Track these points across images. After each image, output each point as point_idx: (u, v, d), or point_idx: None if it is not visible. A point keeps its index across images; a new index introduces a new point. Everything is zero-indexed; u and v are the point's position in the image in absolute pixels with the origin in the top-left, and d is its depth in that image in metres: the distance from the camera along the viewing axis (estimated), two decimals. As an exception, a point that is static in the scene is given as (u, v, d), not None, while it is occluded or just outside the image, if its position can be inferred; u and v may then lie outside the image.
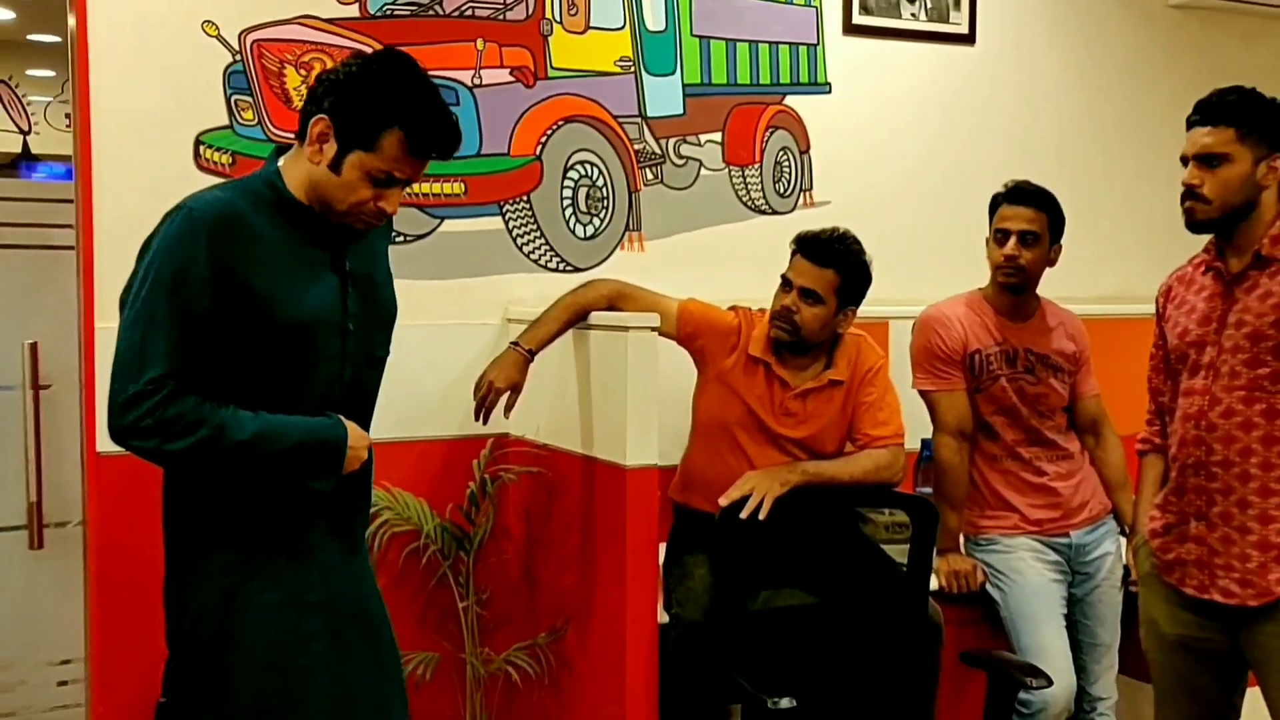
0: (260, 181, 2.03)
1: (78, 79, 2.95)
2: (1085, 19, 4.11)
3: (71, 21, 3.07)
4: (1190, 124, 2.46)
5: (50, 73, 7.47)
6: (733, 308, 2.98)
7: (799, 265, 2.83)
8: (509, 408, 2.87)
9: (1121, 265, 4.03)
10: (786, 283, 2.85)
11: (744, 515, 2.65)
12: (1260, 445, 2.33)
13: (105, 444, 2.84)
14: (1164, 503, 2.51)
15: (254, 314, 1.94)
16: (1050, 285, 3.23)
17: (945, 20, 3.84)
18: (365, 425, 2.13)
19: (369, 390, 2.17)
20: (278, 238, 1.98)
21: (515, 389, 2.85)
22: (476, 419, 2.88)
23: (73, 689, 3.27)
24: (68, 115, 8.38)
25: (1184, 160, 2.45)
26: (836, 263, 2.81)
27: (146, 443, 1.92)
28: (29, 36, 6.66)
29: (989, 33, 3.92)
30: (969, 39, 3.89)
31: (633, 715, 2.75)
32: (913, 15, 3.78)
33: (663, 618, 2.78)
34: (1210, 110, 2.43)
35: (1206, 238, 2.52)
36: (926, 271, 3.69)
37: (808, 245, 2.84)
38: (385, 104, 1.95)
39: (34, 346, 3.15)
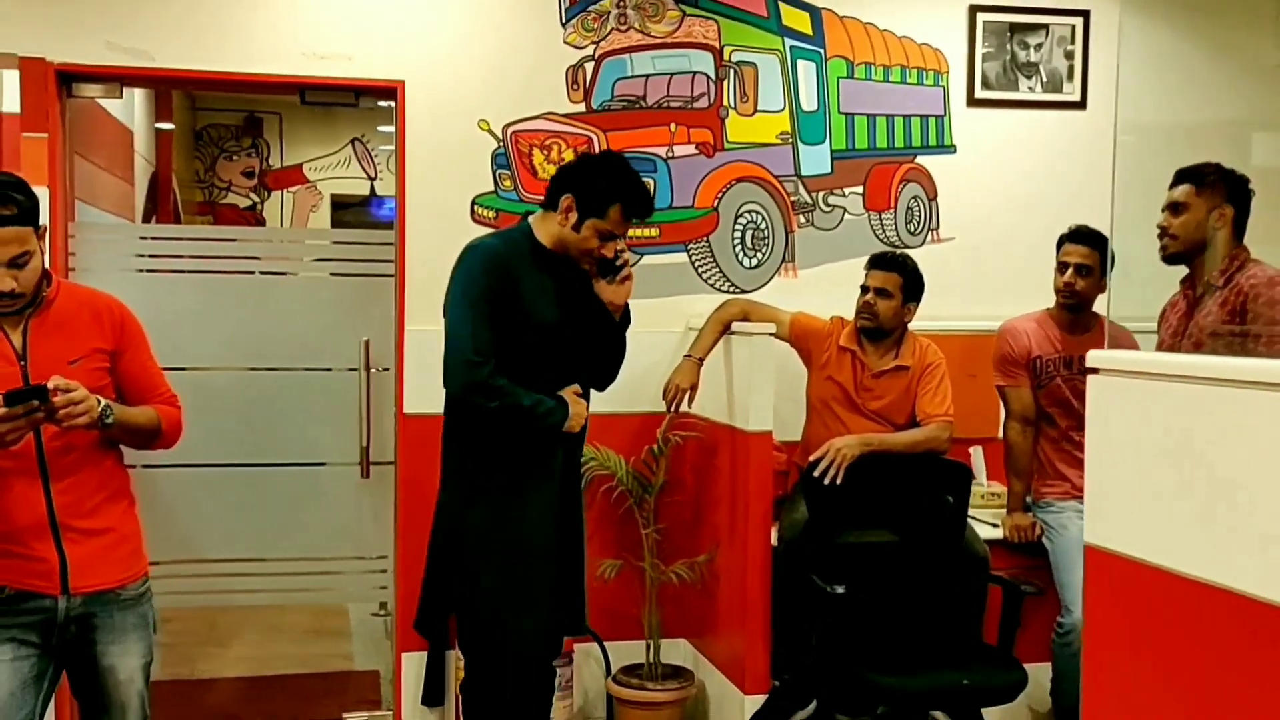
0: (519, 234, 3.17)
1: (399, 161, 4.29)
2: (1193, 79, 4.70)
3: (394, 102, 4.36)
4: (1170, 185, 3.33)
5: (390, 128, 9.14)
6: (832, 319, 4.02)
7: (873, 274, 3.88)
8: (690, 401, 4.00)
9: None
10: (865, 288, 3.89)
11: (826, 480, 3.63)
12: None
13: (411, 407, 4.19)
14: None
15: (521, 318, 3.05)
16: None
17: (1059, 91, 4.67)
18: (588, 387, 3.22)
19: (589, 369, 3.20)
20: (530, 271, 3.11)
21: (694, 388, 3.99)
22: (669, 411, 4.00)
23: (386, 576, 4.48)
24: (403, 165, 9.97)
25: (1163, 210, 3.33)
26: (898, 268, 3.86)
27: (475, 397, 2.96)
28: (379, 103, 8.31)
29: (1100, 98, 4.67)
30: (1080, 104, 4.68)
31: (751, 612, 3.84)
32: (1030, 89, 4.65)
33: (775, 543, 3.85)
34: (1181, 173, 3.30)
35: None
36: (1033, 294, 4.50)
37: (879, 259, 3.92)
38: (611, 188, 3.06)
39: (366, 343, 4.31)
